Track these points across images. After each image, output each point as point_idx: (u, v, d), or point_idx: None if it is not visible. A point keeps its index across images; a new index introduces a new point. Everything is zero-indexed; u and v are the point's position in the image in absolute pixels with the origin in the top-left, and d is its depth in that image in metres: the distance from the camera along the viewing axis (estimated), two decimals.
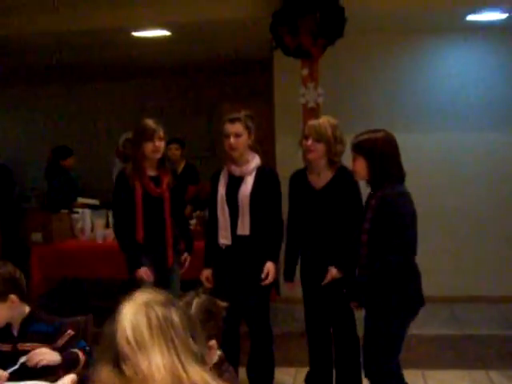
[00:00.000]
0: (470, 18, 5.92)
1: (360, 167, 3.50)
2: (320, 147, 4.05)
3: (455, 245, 6.64)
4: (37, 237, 5.99)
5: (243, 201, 4.21)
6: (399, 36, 6.59)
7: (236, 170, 4.28)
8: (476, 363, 5.08)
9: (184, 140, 7.13)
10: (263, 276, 4.18)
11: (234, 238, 4.26)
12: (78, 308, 3.91)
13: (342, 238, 4.05)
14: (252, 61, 7.97)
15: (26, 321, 2.94)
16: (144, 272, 4.42)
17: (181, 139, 7.00)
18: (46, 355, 2.76)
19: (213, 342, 2.21)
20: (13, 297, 2.87)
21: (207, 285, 4.33)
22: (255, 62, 7.88)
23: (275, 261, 4.25)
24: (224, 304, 2.30)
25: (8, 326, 2.92)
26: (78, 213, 6.38)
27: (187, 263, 4.65)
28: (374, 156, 3.43)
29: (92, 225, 6.30)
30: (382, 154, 3.43)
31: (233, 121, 4.20)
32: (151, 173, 4.50)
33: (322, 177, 4.15)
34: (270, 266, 4.20)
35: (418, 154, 6.39)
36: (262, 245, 4.24)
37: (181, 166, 6.91)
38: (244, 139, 4.21)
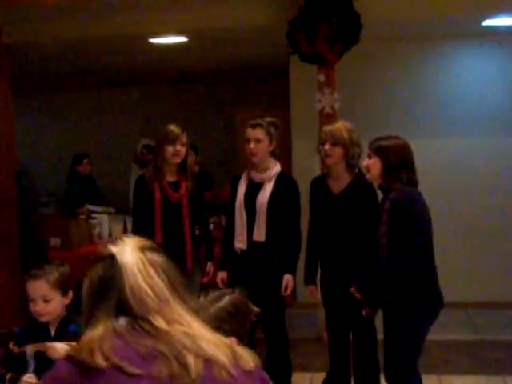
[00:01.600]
0: (487, 23, 5.91)
1: (374, 167, 3.61)
2: (337, 151, 4.07)
3: (471, 250, 6.62)
4: (55, 242, 6.06)
5: (261, 207, 4.23)
6: (415, 42, 6.58)
7: (256, 176, 4.31)
8: (493, 369, 5.06)
9: (198, 146, 7.15)
10: (282, 289, 4.20)
11: (250, 244, 4.29)
12: None
13: (359, 247, 4.05)
14: (268, 67, 7.99)
15: (64, 321, 3.02)
16: None
17: (194, 145, 7.02)
18: (60, 349, 2.80)
19: (232, 339, 2.18)
20: (71, 294, 3.02)
21: (222, 287, 4.34)
22: (272, 68, 7.90)
23: (293, 273, 4.26)
24: (256, 309, 2.28)
25: (46, 325, 3.00)
26: (95, 218, 6.44)
27: (211, 272, 4.60)
28: (389, 160, 3.55)
29: (110, 230, 6.37)
30: (397, 160, 3.55)
31: (254, 126, 4.24)
32: (170, 178, 4.51)
33: (340, 182, 4.17)
34: (288, 279, 4.22)
35: (433, 158, 6.38)
36: (277, 253, 4.24)
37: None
38: (264, 145, 4.23)
